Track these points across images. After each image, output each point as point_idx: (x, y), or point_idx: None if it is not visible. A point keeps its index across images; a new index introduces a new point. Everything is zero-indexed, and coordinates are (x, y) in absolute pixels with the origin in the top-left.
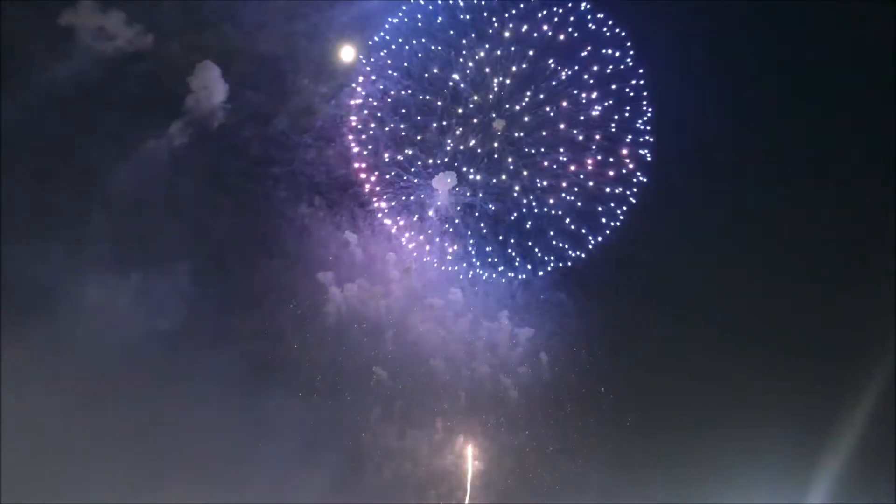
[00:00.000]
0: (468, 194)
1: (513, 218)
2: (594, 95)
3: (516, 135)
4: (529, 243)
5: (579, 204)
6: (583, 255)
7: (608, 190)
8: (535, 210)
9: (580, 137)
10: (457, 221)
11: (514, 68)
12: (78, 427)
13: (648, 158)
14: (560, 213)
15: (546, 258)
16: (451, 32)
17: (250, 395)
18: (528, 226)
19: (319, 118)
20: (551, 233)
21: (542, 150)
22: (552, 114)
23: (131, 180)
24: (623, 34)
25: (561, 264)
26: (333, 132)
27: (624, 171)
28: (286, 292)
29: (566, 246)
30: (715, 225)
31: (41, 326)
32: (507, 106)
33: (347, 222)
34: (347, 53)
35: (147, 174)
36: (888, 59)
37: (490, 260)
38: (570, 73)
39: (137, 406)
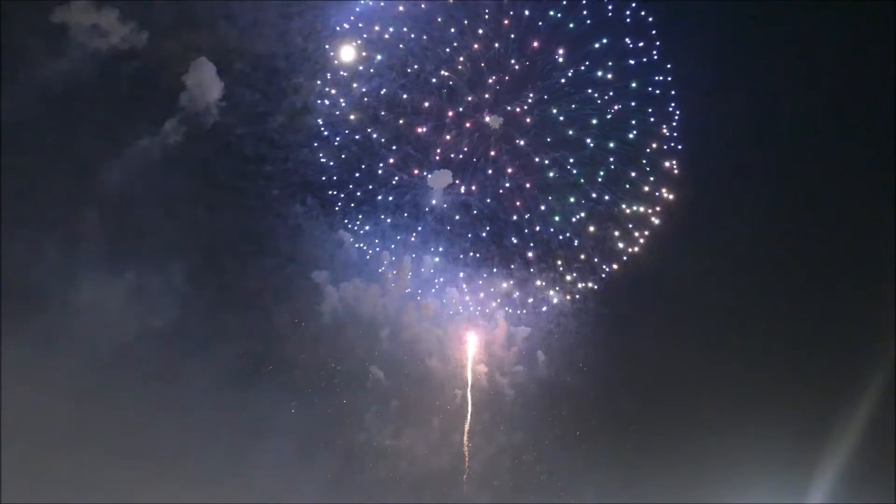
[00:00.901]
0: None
1: (514, 242)
2: (610, 95)
3: (517, 141)
4: (532, 270)
5: (591, 228)
6: (595, 288)
7: (626, 209)
8: (539, 229)
9: (592, 145)
10: (455, 218)
11: (513, 63)
12: (73, 426)
13: (675, 171)
14: (568, 235)
15: (551, 291)
16: (439, 20)
17: (245, 394)
18: (529, 254)
19: (314, 116)
20: (558, 262)
21: (547, 161)
22: (560, 117)
23: (125, 178)
24: (648, 20)
25: (568, 297)
26: (328, 130)
27: (645, 186)
28: (281, 291)
29: (574, 277)
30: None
31: (35, 325)
32: (508, 108)
33: (341, 221)
34: (344, 52)
35: (141, 172)
36: None
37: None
38: (581, 68)
39: (131, 405)
